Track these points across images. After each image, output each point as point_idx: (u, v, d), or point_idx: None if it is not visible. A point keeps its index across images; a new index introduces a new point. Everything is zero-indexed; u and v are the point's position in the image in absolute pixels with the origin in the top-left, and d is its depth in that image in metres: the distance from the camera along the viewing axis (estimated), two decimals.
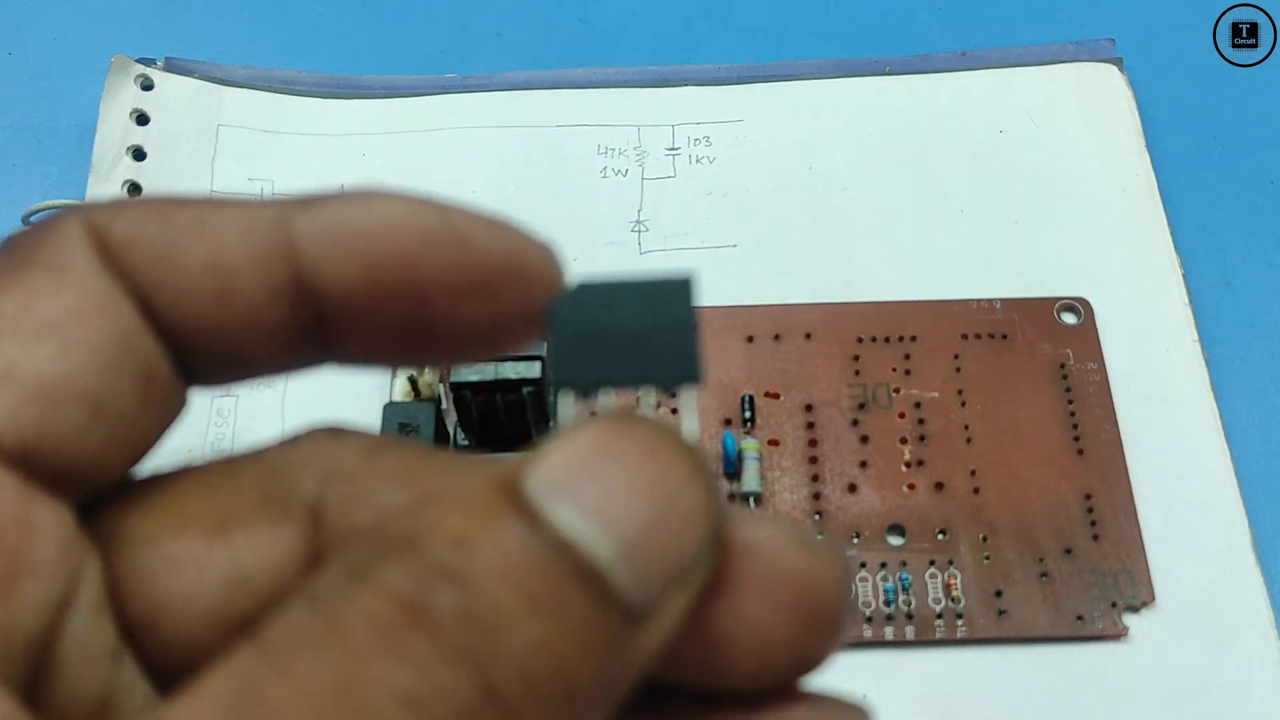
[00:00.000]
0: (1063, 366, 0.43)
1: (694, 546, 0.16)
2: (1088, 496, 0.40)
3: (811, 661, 0.18)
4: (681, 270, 0.20)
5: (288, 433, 0.20)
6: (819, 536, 0.19)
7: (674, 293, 0.20)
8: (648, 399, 0.19)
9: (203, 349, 0.19)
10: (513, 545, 0.15)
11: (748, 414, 0.41)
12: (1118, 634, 0.38)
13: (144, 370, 0.18)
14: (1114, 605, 0.38)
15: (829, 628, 0.17)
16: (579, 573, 0.15)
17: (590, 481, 0.15)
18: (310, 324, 0.19)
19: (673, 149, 0.48)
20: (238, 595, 0.18)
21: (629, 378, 0.19)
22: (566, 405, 0.19)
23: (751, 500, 0.40)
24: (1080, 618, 0.38)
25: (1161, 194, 0.46)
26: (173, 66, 0.49)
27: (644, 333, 0.19)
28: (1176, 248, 0.45)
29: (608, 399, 0.19)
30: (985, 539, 0.40)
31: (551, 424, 0.18)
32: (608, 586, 0.15)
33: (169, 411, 0.19)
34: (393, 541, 0.15)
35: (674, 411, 0.38)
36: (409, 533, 0.15)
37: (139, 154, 0.47)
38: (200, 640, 0.18)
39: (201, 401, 0.40)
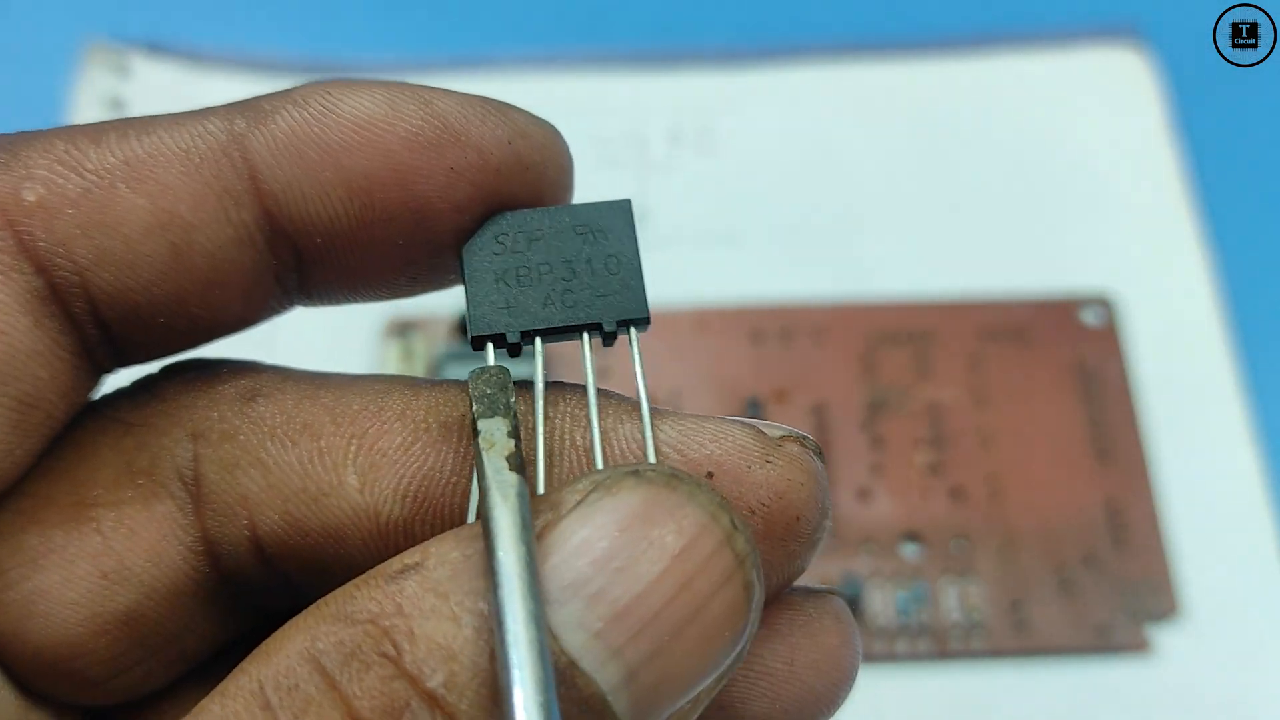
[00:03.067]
0: (1084, 367, 0.41)
1: (713, 663, 0.14)
2: (1110, 503, 0.39)
3: (790, 576, 0.16)
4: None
5: (145, 377, 0.17)
6: (784, 432, 0.16)
7: (611, 219, 0.17)
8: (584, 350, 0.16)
9: (155, 321, 0.16)
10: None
11: (753, 416, 0.40)
12: (1139, 646, 0.37)
13: (22, 399, 0.16)
14: (1136, 616, 0.37)
15: (803, 542, 0.16)
16: (578, 701, 0.13)
17: (608, 584, 0.13)
18: (288, 266, 0.17)
19: (675, 137, 0.46)
20: (118, 590, 0.16)
21: (563, 322, 0.17)
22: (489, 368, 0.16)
23: None
24: (1101, 629, 0.37)
25: (1189, 184, 0.45)
26: (152, 48, 0.47)
27: (579, 267, 0.17)
28: (1205, 241, 0.44)
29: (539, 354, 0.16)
30: (1003, 548, 0.38)
31: (474, 396, 0.16)
32: (608, 717, 0.13)
33: (52, 427, 0.16)
34: (362, 634, 0.13)
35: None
36: (380, 623, 0.13)
37: None
38: (79, 641, 0.16)
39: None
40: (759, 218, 0.44)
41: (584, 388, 0.17)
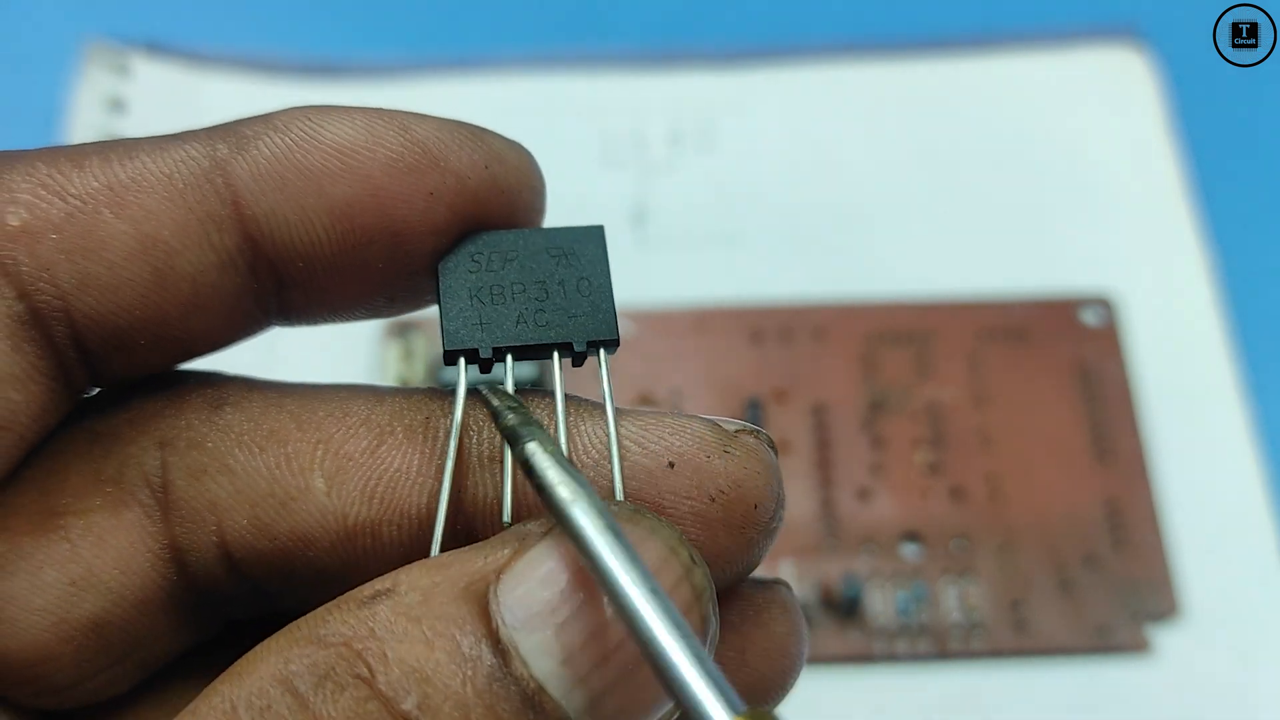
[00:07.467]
0: (1084, 367, 0.41)
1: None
2: (1110, 503, 0.39)
3: (747, 566, 0.17)
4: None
5: (115, 390, 0.18)
6: (739, 425, 0.17)
7: (584, 244, 0.18)
8: (553, 369, 0.17)
9: (135, 343, 0.16)
10: (480, 687, 0.13)
11: (753, 416, 0.40)
12: (1139, 646, 0.37)
13: None
14: (1136, 616, 0.37)
15: (760, 529, 0.17)
16: None
17: (573, 613, 0.14)
18: (268, 289, 0.17)
19: (675, 137, 0.46)
20: (85, 596, 0.16)
21: (535, 340, 0.17)
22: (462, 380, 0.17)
23: None
24: (1101, 629, 0.37)
25: (1189, 184, 0.45)
26: (152, 49, 0.47)
27: (552, 288, 0.17)
28: (1205, 241, 0.44)
29: (513, 369, 0.17)
30: (1003, 548, 0.38)
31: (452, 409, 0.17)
32: None
33: (23, 448, 0.16)
34: (336, 656, 0.14)
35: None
36: (354, 645, 0.14)
37: None
38: (45, 647, 0.16)
39: None
40: (759, 218, 0.44)
41: (544, 393, 0.17)
